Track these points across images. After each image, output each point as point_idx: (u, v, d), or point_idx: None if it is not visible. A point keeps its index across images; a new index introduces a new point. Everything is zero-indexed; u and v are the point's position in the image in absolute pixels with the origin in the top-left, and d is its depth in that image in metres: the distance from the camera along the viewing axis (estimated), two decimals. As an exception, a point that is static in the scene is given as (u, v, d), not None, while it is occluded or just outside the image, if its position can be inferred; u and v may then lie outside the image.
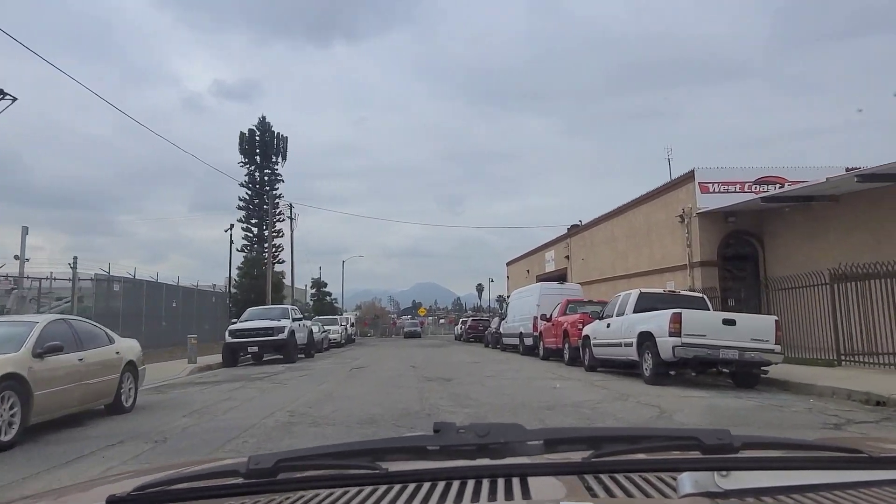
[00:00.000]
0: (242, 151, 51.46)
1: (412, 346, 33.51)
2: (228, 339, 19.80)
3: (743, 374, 11.23)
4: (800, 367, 12.58)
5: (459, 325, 46.54)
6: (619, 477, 0.95)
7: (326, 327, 32.00)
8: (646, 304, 12.67)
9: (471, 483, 0.95)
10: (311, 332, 23.65)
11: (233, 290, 35.02)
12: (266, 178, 51.87)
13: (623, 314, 13.18)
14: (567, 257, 33.73)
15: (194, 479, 1.03)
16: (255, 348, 19.92)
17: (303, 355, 22.94)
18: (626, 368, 13.23)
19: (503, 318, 27.92)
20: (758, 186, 19.42)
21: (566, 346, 17.39)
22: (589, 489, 0.91)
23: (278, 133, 52.28)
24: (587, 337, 14.98)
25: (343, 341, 35.22)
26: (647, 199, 23.81)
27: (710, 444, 0.94)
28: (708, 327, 10.99)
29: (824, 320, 13.20)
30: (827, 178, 14.21)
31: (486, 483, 0.95)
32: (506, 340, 26.40)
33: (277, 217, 51.73)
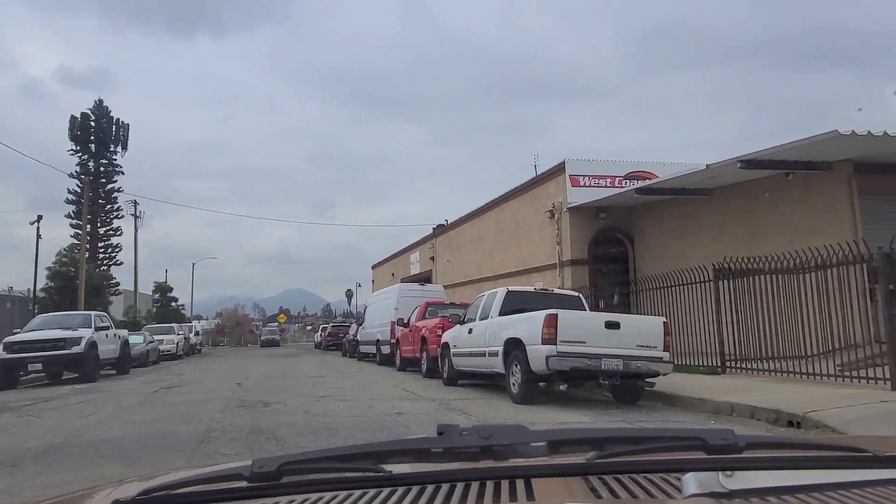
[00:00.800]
0: (73, 138, 44.64)
1: (261, 357, 29.77)
2: (2, 353, 15.42)
3: (624, 387, 9.23)
4: (682, 375, 10.88)
5: (319, 333, 42.93)
6: (624, 478, 0.94)
7: (158, 337, 27.51)
8: (514, 304, 10.42)
9: (475, 485, 0.94)
10: (125, 343, 19.49)
11: (41, 295, 29.32)
12: (102, 168, 45.42)
13: (487, 317, 10.86)
14: (432, 258, 31.53)
15: (198, 483, 1.02)
16: (39, 364, 15.70)
17: (114, 371, 18.84)
18: (492, 380, 10.91)
19: (361, 324, 25.06)
20: (629, 182, 18.10)
21: (424, 355, 14.90)
22: (593, 490, 0.91)
23: (118, 119, 45.92)
24: (446, 345, 12.56)
25: (181, 353, 30.70)
26: (516, 195, 22.03)
27: (715, 445, 0.94)
28: (588, 332, 8.87)
29: (707, 322, 11.66)
30: (707, 166, 12.80)
31: (489, 485, 0.94)
32: (363, 349, 23.59)
33: (116, 213, 45.60)
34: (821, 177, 12.72)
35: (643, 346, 8.96)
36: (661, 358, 9.05)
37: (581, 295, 11.47)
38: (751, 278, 10.97)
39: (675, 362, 11.77)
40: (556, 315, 8.75)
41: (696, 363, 11.68)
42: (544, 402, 9.20)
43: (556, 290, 11.57)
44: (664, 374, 9.07)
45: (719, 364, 11.24)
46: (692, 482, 0.86)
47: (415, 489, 0.93)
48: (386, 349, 19.56)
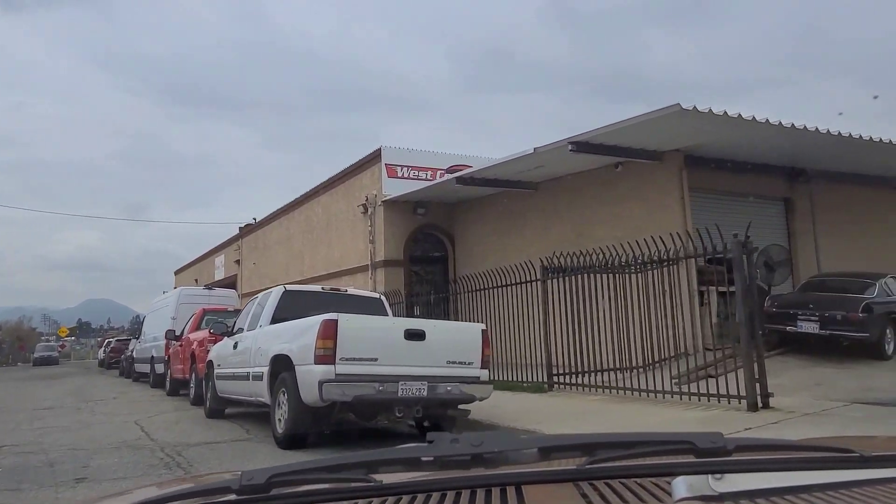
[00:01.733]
0: None
1: (17, 381, 23.82)
2: None
3: (432, 417, 6.85)
4: (505, 395, 8.80)
5: (103, 349, 36.43)
6: (614, 483, 0.93)
7: None
8: (292, 309, 7.61)
9: (465, 493, 0.94)
10: None
11: None
12: None
13: (257, 326, 7.96)
14: (237, 262, 27.60)
15: (185, 497, 1.01)
16: None
17: None
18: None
19: (138, 338, 20.64)
20: (451, 175, 16.11)
21: (192, 376, 11.55)
22: (584, 496, 0.90)
23: None
24: (211, 364, 9.42)
25: None
26: (329, 187, 19.22)
27: (704, 448, 0.93)
28: (382, 345, 6.34)
29: (534, 329, 9.73)
30: (535, 149, 11.01)
31: (480, 493, 0.94)
32: (138, 367, 19.30)
33: None
34: (652, 169, 11.49)
35: (456, 363, 6.62)
36: (479, 377, 6.78)
37: (384, 297, 8.95)
38: (579, 278, 9.20)
39: (500, 378, 9.72)
40: (336, 322, 6.10)
41: (522, 378, 9.71)
42: (322, 443, 6.53)
43: (352, 291, 8.95)
44: (482, 399, 6.80)
45: (546, 379, 9.33)
46: (682, 486, 0.87)
47: (405, 499, 0.93)
48: (160, 368, 15.72)
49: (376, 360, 6.22)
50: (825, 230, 13.32)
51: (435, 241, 16.85)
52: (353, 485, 0.96)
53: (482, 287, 10.93)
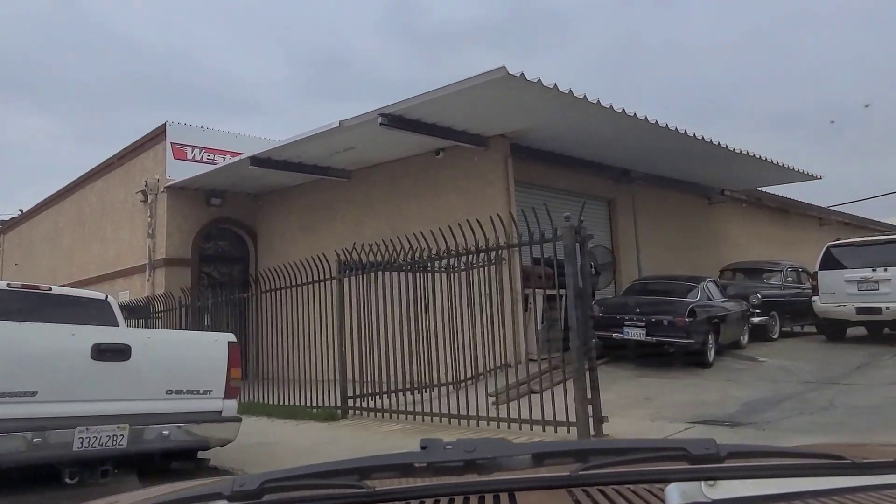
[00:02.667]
0: None
1: None
2: None
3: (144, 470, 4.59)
4: (285, 424, 6.74)
5: None
6: (608, 490, 0.92)
7: None
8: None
9: (458, 500, 0.92)
10: None
11: None
12: None
13: None
14: (-3, 262, 22.52)
15: (178, 503, 0.99)
16: None
17: None
18: None
19: None
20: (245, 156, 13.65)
21: None
22: (577, 503, 0.88)
23: None
24: None
25: None
26: (105, 170, 15.78)
27: (697, 454, 0.93)
28: (50, 369, 4.00)
29: (329, 339, 7.75)
30: (340, 122, 9.08)
31: (473, 499, 0.92)
32: None
33: None
34: (476, 156, 10.08)
35: (182, 393, 4.45)
36: (221, 412, 4.65)
37: (113, 300, 6.42)
38: (381, 276, 7.41)
39: (287, 401, 7.62)
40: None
41: (315, 401, 7.66)
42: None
43: (61, 291, 6.31)
44: (222, 444, 4.68)
45: (339, 403, 7.37)
46: (675, 492, 0.86)
47: None
48: None
49: (35, 394, 3.86)
50: (646, 233, 12.87)
51: (233, 237, 14.26)
52: (346, 491, 0.94)
53: (275, 287, 8.76)
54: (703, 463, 0.92)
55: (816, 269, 11.48)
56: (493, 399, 6.67)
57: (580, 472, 0.93)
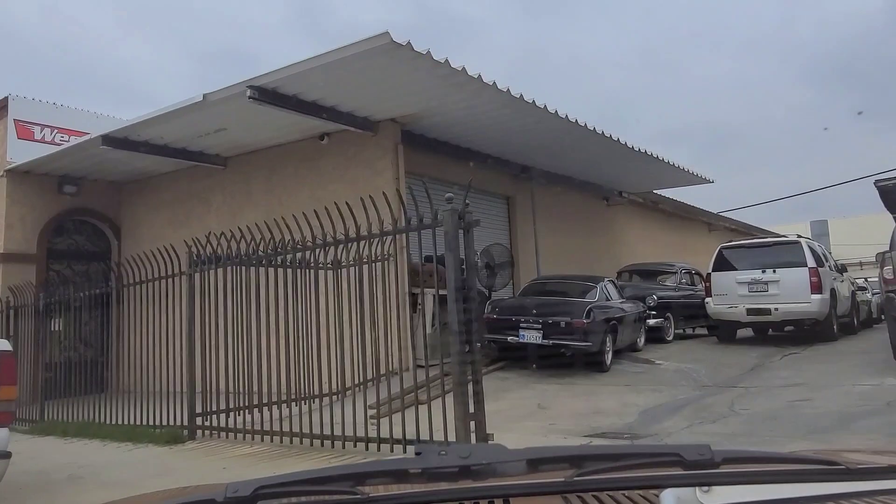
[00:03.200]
0: None
1: None
2: None
3: None
4: (119, 448, 5.48)
5: None
6: (602, 495, 0.92)
7: None
8: None
9: None
10: None
11: None
12: None
13: None
14: None
15: None
16: None
17: None
18: None
19: None
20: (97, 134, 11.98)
21: None
22: None
23: None
24: None
25: None
26: (-64, 152, 13.44)
27: (692, 460, 0.90)
28: None
29: (173, 341, 6.52)
30: (204, 95, 7.84)
31: None
32: None
33: None
34: (363, 142, 9.12)
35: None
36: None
37: None
38: (241, 271, 6.30)
39: (128, 420, 6.32)
40: None
41: (161, 420, 6.39)
42: None
43: None
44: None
45: (187, 422, 6.16)
46: (670, 498, 0.85)
47: None
48: None
49: None
50: (545, 232, 12.39)
51: (92, 231, 12.49)
52: (340, 497, 0.94)
53: (128, 283, 7.41)
54: (698, 469, 0.91)
55: (710, 270, 11.39)
56: (374, 412, 5.73)
57: (575, 478, 0.93)
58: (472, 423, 4.41)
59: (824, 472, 0.94)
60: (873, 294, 16.65)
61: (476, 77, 7.42)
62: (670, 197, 16.63)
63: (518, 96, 8.18)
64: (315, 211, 5.87)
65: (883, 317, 18.53)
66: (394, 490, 0.96)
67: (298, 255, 5.89)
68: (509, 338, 8.30)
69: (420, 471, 0.93)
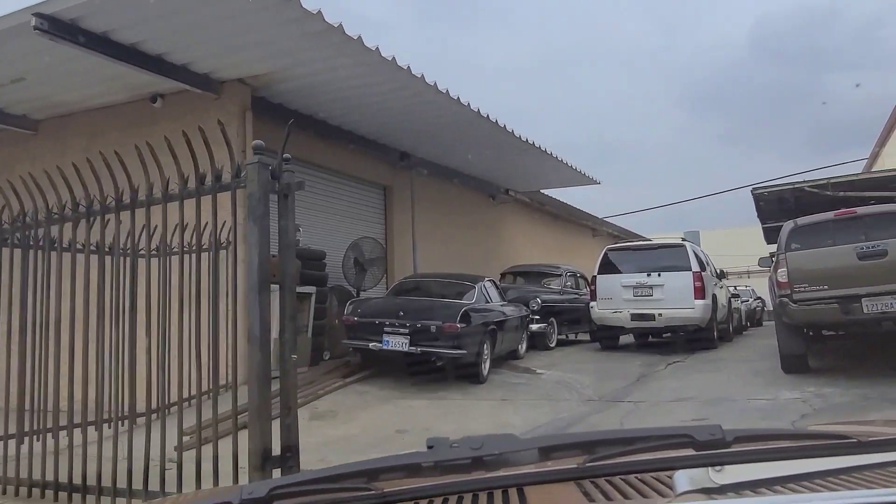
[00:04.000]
0: None
1: None
2: None
3: None
4: None
5: None
6: (616, 479, 0.91)
7: None
8: None
9: (467, 497, 0.91)
10: None
11: None
12: None
13: None
14: None
15: None
16: None
17: None
18: None
19: None
20: None
21: None
22: (586, 494, 0.87)
23: None
24: None
25: None
26: None
27: (703, 441, 0.92)
28: None
29: None
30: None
31: (482, 496, 0.91)
32: None
33: None
34: (205, 106, 7.49)
35: None
36: None
37: None
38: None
39: None
40: None
41: None
42: None
43: None
44: None
45: None
46: (683, 479, 0.84)
47: None
48: None
49: None
50: (425, 227, 11.22)
51: None
52: (355, 494, 0.92)
53: None
54: (710, 449, 0.91)
55: (595, 273, 10.71)
56: (189, 438, 4.21)
57: (587, 464, 0.93)
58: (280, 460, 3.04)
59: (835, 446, 0.95)
60: (742, 302, 17.01)
61: (336, 26, 6.07)
62: (556, 197, 16.06)
63: (390, 59, 6.92)
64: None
65: (749, 324, 19.23)
66: (408, 484, 0.95)
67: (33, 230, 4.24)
68: (370, 344, 7.00)
69: (433, 464, 0.95)
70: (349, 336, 7.25)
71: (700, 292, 9.96)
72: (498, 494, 0.90)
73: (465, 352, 6.93)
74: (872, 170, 16.27)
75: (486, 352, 7.49)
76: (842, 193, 12.72)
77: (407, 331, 6.89)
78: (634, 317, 10.11)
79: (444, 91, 7.88)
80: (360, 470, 0.96)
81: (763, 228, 18.86)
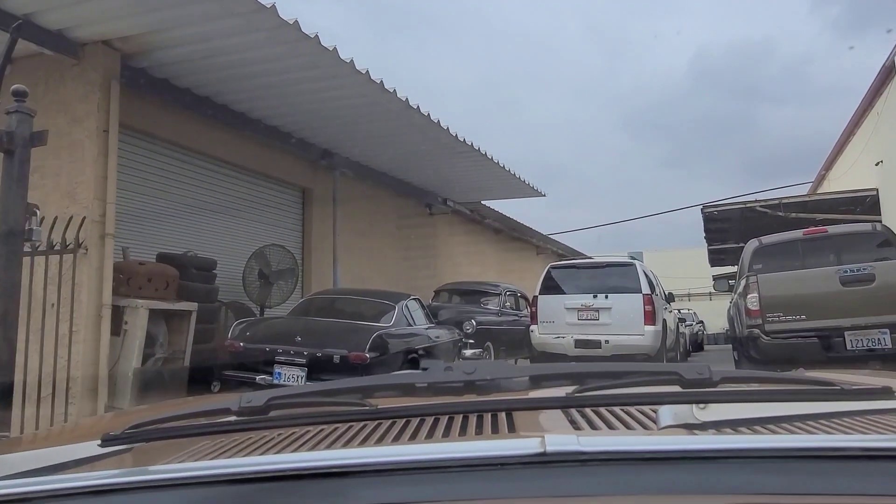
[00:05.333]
0: None
1: None
2: None
3: None
4: None
5: None
6: (602, 410, 0.93)
7: None
8: None
9: (458, 418, 0.94)
10: None
11: None
12: None
13: None
14: None
15: (187, 418, 0.97)
16: None
17: None
18: None
19: None
20: None
21: None
22: (572, 422, 0.89)
23: None
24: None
25: None
26: None
27: (690, 379, 0.89)
28: None
29: None
30: None
31: (472, 418, 0.93)
32: None
33: None
34: (61, 75, 5.94)
35: None
36: None
37: None
38: None
39: None
40: None
41: None
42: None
43: None
44: None
45: None
46: (667, 414, 0.86)
47: (399, 422, 0.93)
48: None
49: None
50: (349, 238, 9.83)
51: None
52: (349, 408, 0.94)
53: None
54: (696, 387, 0.90)
55: (536, 293, 9.54)
56: None
57: (576, 394, 0.93)
58: None
59: (819, 392, 0.96)
60: (686, 326, 16.28)
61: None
62: (499, 211, 14.92)
63: (313, 36, 5.58)
64: None
65: (692, 348, 18.54)
66: (401, 403, 0.97)
67: None
68: (258, 377, 5.54)
69: (426, 385, 0.96)
70: (234, 366, 5.77)
71: (650, 317, 8.90)
72: (487, 417, 0.93)
73: (375, 388, 5.56)
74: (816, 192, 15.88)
75: (404, 386, 6.13)
76: (793, 215, 12.10)
77: (304, 361, 5.47)
78: (579, 343, 8.96)
79: (364, 72, 6.56)
80: (356, 386, 0.99)
81: (708, 250, 18.39)
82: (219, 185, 7.84)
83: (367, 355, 5.45)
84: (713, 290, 10.23)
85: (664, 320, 9.53)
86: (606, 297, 9.01)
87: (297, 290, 8.34)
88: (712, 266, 21.35)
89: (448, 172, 10.84)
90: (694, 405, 0.88)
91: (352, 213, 10.04)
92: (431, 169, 10.61)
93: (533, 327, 9.37)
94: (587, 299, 9.07)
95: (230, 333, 5.87)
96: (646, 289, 9.07)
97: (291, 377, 5.46)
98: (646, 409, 0.91)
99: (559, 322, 9.15)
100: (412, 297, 7.25)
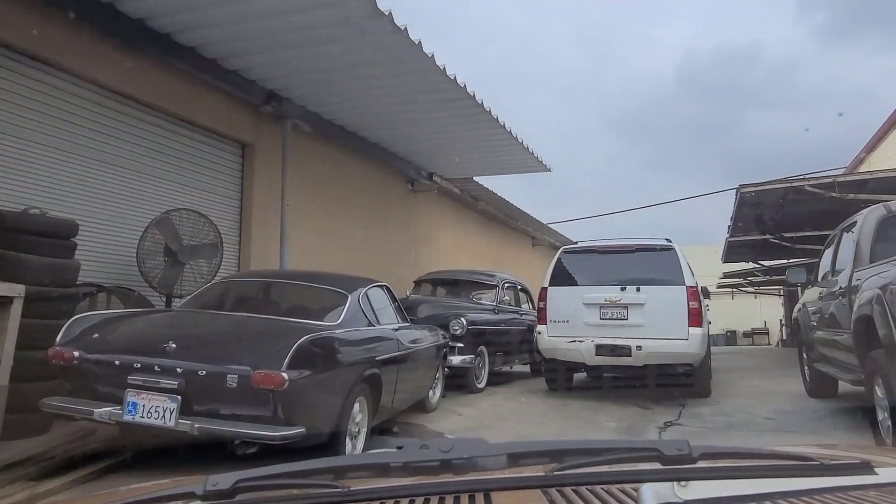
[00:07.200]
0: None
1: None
2: None
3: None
4: None
5: None
6: (582, 489, 0.88)
7: None
8: None
9: (434, 500, 0.87)
10: None
11: None
12: None
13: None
14: None
15: (151, 502, 0.93)
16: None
17: None
18: None
19: None
20: None
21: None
22: (552, 502, 0.84)
23: None
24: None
25: None
26: None
27: (670, 455, 0.90)
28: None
29: None
30: None
31: (449, 499, 0.87)
32: None
33: None
34: None
35: None
36: None
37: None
38: None
39: None
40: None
41: None
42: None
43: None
44: None
45: None
46: (649, 493, 0.82)
47: None
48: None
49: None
50: (304, 209, 7.51)
51: None
52: (321, 490, 0.89)
53: None
54: (676, 464, 0.90)
55: (545, 283, 7.28)
56: None
57: (555, 472, 0.91)
58: None
59: (799, 467, 0.95)
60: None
61: None
62: (494, 192, 12.61)
63: None
64: None
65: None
66: (375, 484, 0.92)
67: None
68: (97, 411, 3.19)
69: (401, 465, 0.93)
70: (68, 389, 3.42)
71: (696, 317, 6.67)
72: (465, 498, 0.88)
73: (298, 431, 3.20)
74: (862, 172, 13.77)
75: (352, 421, 3.80)
76: (851, 196, 9.92)
77: (175, 384, 3.14)
78: (601, 350, 6.72)
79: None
80: (327, 467, 0.94)
81: (727, 242, 16.21)
82: (116, 126, 5.50)
83: (285, 375, 3.12)
84: (786, 282, 7.96)
85: (709, 322, 7.34)
86: (638, 289, 6.78)
87: (224, 272, 5.98)
88: (725, 262, 19.25)
89: (435, 134, 8.52)
90: (675, 483, 0.84)
91: (309, 180, 7.72)
92: (414, 128, 8.29)
93: (540, 328, 7.12)
94: (612, 292, 6.83)
95: (60, 335, 3.48)
96: (689, 280, 6.83)
97: (153, 411, 3.12)
98: (627, 487, 0.87)
99: (575, 322, 6.91)
100: (375, 283, 4.90)
